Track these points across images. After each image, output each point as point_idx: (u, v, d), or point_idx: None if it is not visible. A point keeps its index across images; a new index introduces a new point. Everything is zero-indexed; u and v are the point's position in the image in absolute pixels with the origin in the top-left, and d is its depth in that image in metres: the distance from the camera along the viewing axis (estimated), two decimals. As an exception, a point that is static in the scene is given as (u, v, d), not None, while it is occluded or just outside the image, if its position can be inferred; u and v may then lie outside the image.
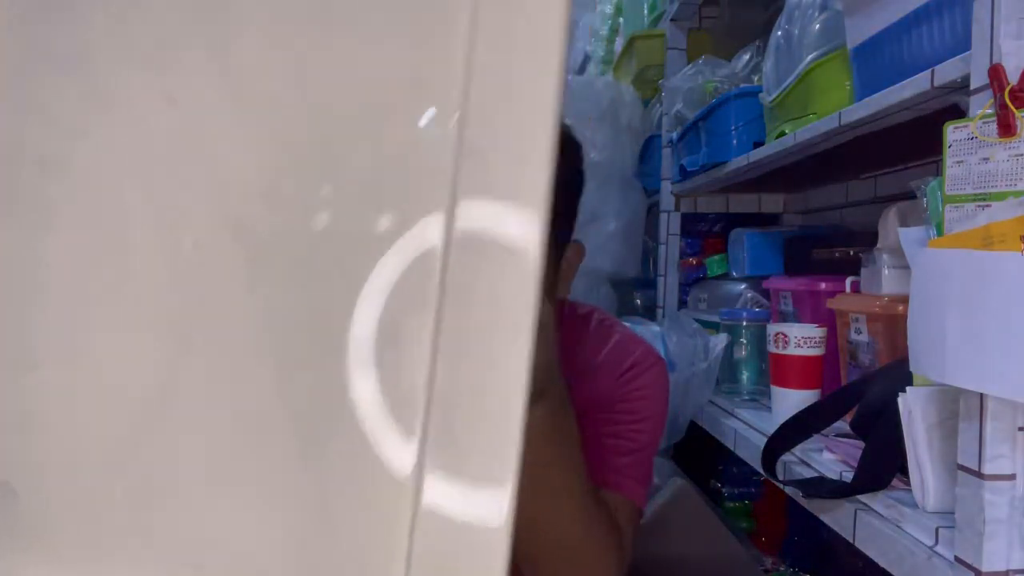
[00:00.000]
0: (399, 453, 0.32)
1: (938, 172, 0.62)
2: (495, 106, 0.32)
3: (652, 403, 0.86)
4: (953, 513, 0.58)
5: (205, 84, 0.35)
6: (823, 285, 1.07)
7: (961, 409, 0.57)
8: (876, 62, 0.80)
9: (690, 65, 1.53)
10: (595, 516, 0.73)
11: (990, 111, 0.54)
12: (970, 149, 0.56)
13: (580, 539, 0.73)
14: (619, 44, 2.34)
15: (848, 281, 0.98)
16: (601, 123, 1.90)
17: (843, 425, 0.86)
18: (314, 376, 0.34)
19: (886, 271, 0.88)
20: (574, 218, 0.85)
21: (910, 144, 1.00)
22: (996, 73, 0.53)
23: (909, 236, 0.73)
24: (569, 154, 0.85)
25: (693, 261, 1.64)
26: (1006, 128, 0.53)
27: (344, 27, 0.35)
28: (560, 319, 0.88)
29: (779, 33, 1.08)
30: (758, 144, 1.17)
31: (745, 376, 1.22)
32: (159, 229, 0.35)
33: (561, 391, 0.68)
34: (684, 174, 1.46)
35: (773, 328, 1.00)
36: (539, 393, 0.65)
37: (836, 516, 0.75)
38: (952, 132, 0.58)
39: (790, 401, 0.97)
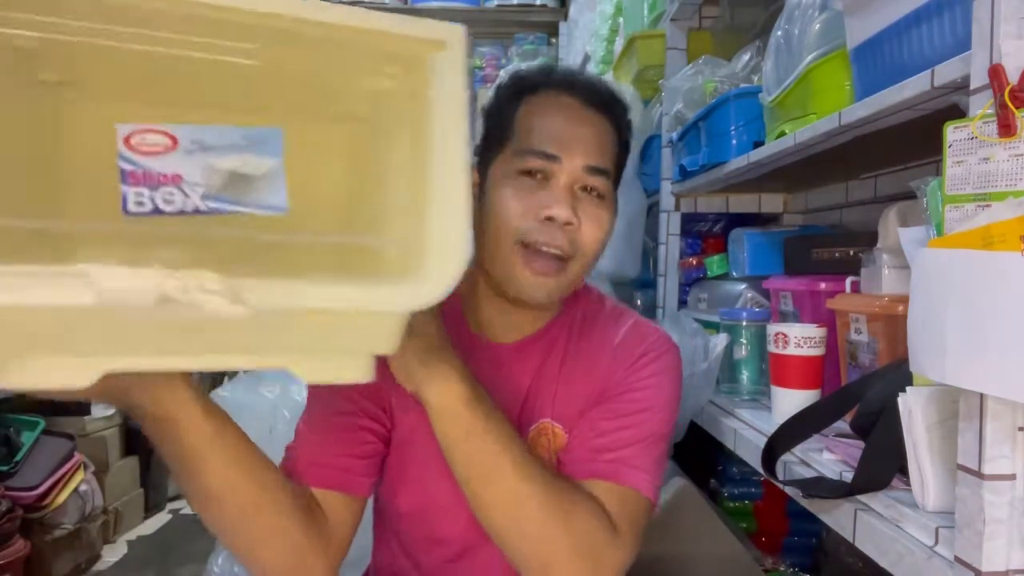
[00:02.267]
0: None
1: (938, 172, 0.61)
2: None
3: (660, 392, 0.85)
4: (953, 513, 0.58)
5: None
6: (823, 285, 1.06)
7: (961, 409, 0.57)
8: (876, 62, 0.80)
9: (690, 65, 1.52)
10: (549, 497, 0.71)
11: (990, 111, 0.54)
12: (970, 149, 0.56)
13: (539, 519, 0.71)
14: (619, 44, 2.34)
15: (848, 281, 0.98)
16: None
17: (843, 425, 0.86)
18: None
19: (886, 271, 0.88)
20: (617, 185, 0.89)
21: (910, 144, 1.00)
22: (996, 73, 0.53)
23: (909, 236, 0.73)
24: (625, 128, 0.89)
25: (693, 261, 1.64)
26: (1006, 128, 0.53)
27: None
28: (576, 299, 0.91)
29: (779, 33, 1.08)
30: (758, 144, 1.17)
31: (745, 376, 1.21)
32: None
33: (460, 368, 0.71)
34: (684, 174, 1.46)
35: (773, 328, 1.00)
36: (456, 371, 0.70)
37: (836, 516, 0.75)
38: (952, 132, 0.58)
39: (790, 401, 0.97)
